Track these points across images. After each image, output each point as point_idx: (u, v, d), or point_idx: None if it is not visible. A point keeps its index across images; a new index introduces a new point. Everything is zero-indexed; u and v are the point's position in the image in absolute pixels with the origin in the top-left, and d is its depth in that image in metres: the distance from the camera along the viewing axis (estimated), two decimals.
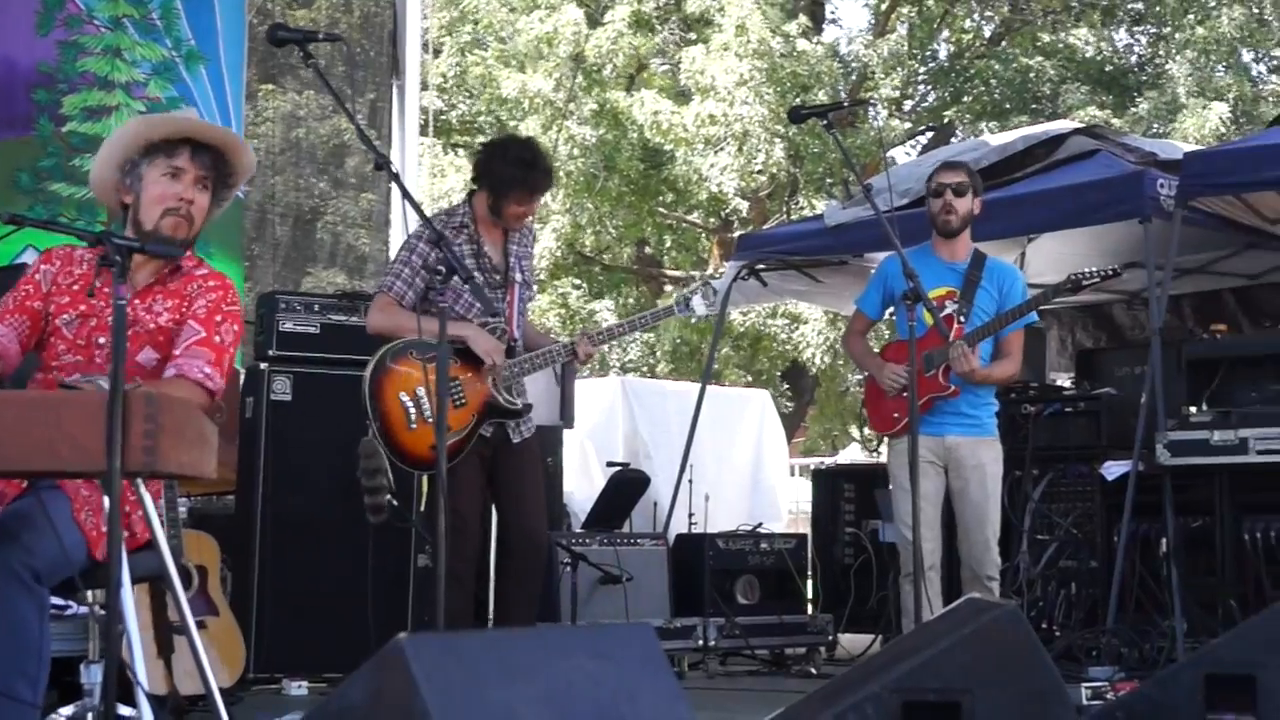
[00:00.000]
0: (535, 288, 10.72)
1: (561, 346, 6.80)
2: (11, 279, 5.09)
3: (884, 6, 24.65)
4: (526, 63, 21.60)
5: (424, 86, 11.57)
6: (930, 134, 25.22)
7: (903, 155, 24.76)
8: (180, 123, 4.98)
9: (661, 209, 23.28)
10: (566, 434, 10.02)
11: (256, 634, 7.31)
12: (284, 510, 7.51)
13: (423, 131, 11.67)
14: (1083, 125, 10.64)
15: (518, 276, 6.79)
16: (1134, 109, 22.19)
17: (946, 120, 24.54)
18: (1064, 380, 10.83)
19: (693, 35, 22.36)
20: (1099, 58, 23.74)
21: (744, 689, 8.22)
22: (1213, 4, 22.95)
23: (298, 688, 7.33)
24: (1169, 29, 23.71)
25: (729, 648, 8.99)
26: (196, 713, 6.10)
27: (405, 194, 5.81)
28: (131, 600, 4.10)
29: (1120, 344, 11.69)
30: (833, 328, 19.70)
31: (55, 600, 4.39)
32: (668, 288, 24.00)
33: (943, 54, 25.44)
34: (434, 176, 20.67)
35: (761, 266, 10.45)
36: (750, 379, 22.26)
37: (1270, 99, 22.53)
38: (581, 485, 11.31)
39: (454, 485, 6.17)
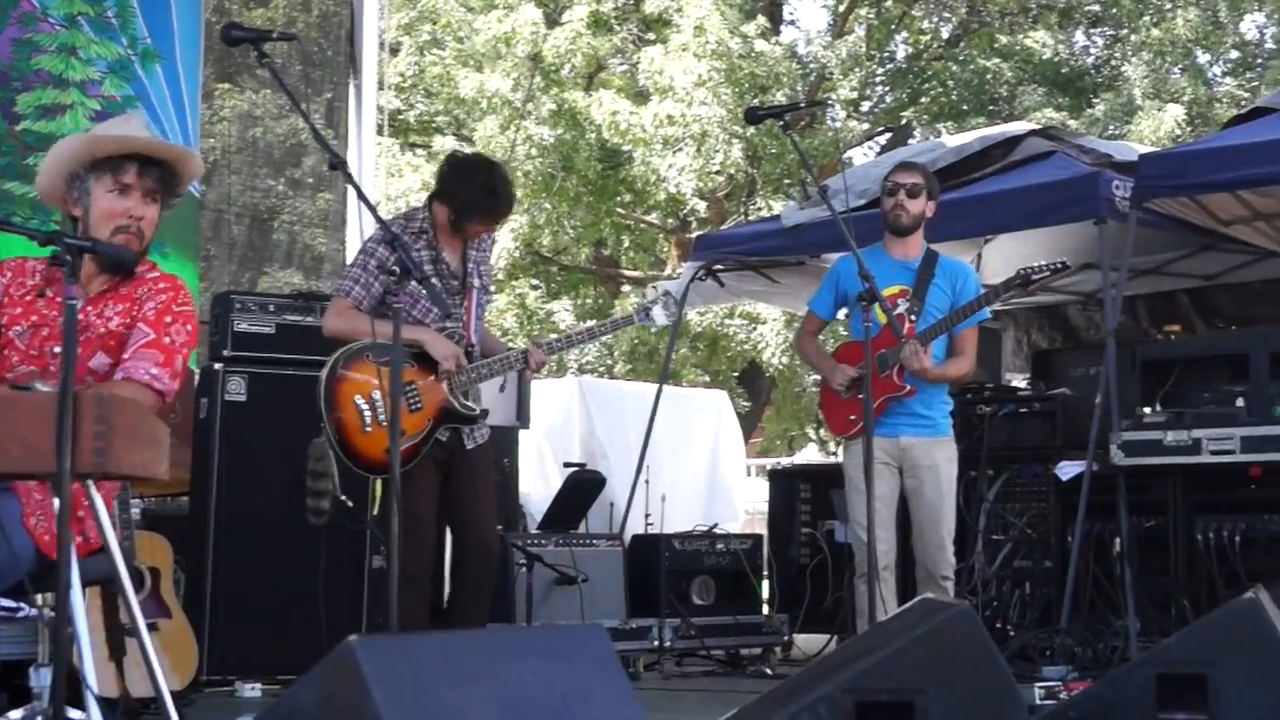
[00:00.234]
0: (493, 289, 10.70)
1: (516, 354, 6.79)
2: None
3: (842, 8, 24.71)
4: (484, 62, 21.57)
5: (381, 86, 11.50)
6: (888, 135, 25.29)
7: (860, 156, 24.84)
8: (127, 141, 4.93)
9: (619, 209, 23.27)
10: (523, 434, 10.02)
11: (209, 636, 7.28)
12: (238, 512, 7.48)
13: (380, 131, 11.61)
14: (1039, 127, 10.68)
15: (476, 282, 6.78)
16: (1090, 110, 22.30)
17: (904, 121, 24.60)
18: (1020, 381, 10.87)
19: (651, 36, 22.37)
20: (1055, 59, 23.83)
21: (699, 689, 8.22)
22: (1168, 6, 23.09)
23: (251, 690, 7.30)
24: (1125, 31, 23.83)
25: (685, 648, 9.00)
26: (148, 715, 6.05)
27: (360, 195, 5.80)
28: (82, 603, 4.07)
29: (1075, 345, 11.73)
30: (790, 328, 19.71)
31: (5, 602, 4.36)
32: (625, 288, 24.00)
33: (900, 55, 25.51)
34: (391, 176, 20.61)
35: (719, 267, 10.44)
36: (708, 379, 22.27)
37: (1225, 101, 22.64)
38: (538, 486, 11.30)
39: (409, 488, 6.16)
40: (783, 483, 10.72)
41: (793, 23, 34.29)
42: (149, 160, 4.79)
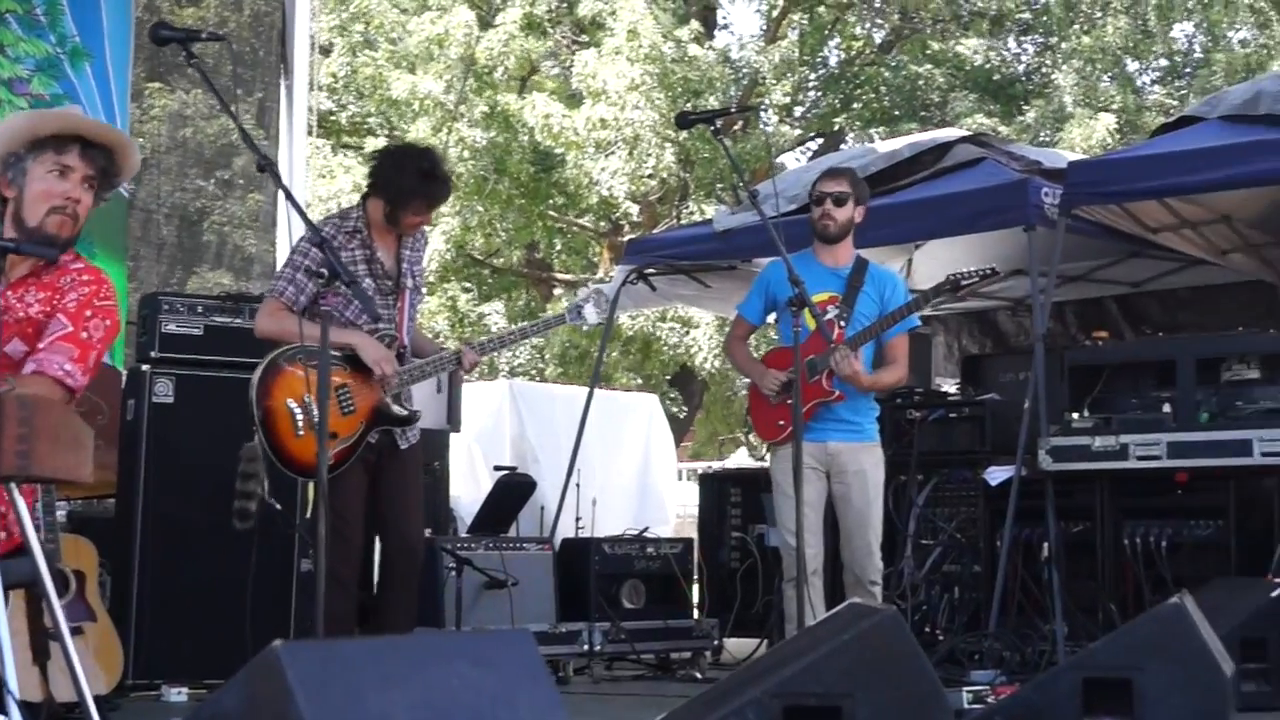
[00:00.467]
0: (425, 290, 10.68)
1: (448, 355, 6.78)
2: None
3: (775, 13, 24.78)
4: (417, 64, 21.51)
5: (313, 87, 11.45)
6: (820, 140, 25.37)
7: (793, 161, 24.93)
8: (71, 120, 4.92)
9: (552, 212, 23.27)
10: (454, 437, 10.00)
11: (135, 639, 7.21)
12: (165, 514, 7.41)
13: (310, 132, 11.55)
14: (969, 133, 10.73)
15: (409, 282, 6.76)
16: (1021, 117, 22.48)
17: (836, 127, 24.69)
18: (950, 386, 10.92)
19: (585, 39, 22.39)
20: (987, 66, 24.00)
21: (629, 694, 8.21)
22: (1098, 15, 23.27)
23: (177, 694, 7.23)
24: (1056, 39, 24.02)
25: (614, 652, 8.98)
26: None
27: (288, 197, 5.77)
28: (4, 606, 4.03)
29: (1005, 350, 11.81)
30: (722, 333, 19.73)
31: None
32: (557, 291, 23.99)
33: (833, 61, 25.62)
34: (322, 178, 20.54)
35: (650, 271, 10.44)
36: (640, 383, 22.28)
37: (1154, 109, 22.84)
38: (468, 489, 11.27)
39: (339, 490, 6.14)
40: (713, 487, 10.71)
41: (726, 27, 34.46)
42: (90, 144, 4.76)
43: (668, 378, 23.35)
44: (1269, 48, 22.67)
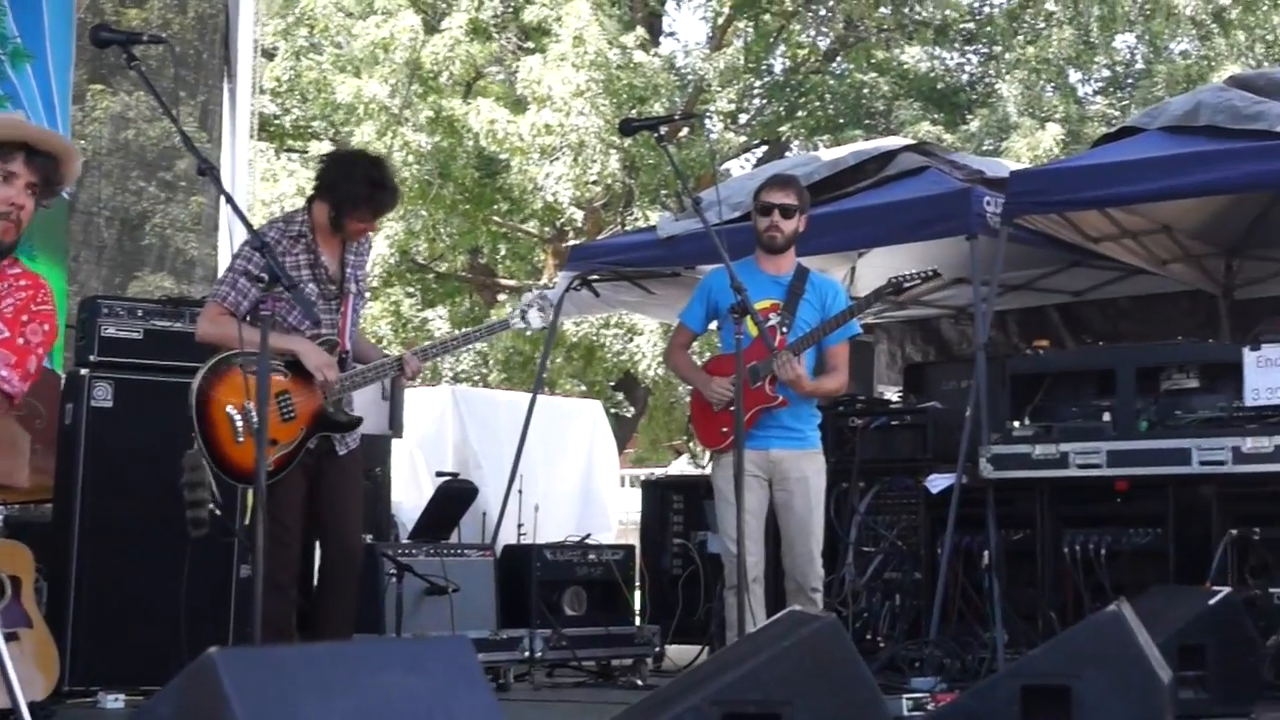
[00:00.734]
0: (368, 295, 10.64)
1: (390, 361, 6.75)
2: None
3: (721, 20, 24.81)
4: (362, 68, 21.44)
5: (257, 90, 11.41)
6: (764, 148, 25.42)
7: (737, 168, 24.96)
8: (17, 127, 4.89)
9: (496, 218, 23.23)
10: (395, 443, 9.96)
11: (72, 645, 7.14)
12: (103, 519, 7.35)
13: (253, 135, 11.50)
14: (913, 142, 10.77)
15: (353, 287, 6.73)
16: (965, 126, 22.58)
17: (781, 135, 24.74)
18: (892, 393, 10.95)
19: (530, 45, 22.34)
20: (931, 75, 24.10)
21: (570, 700, 8.20)
22: (1042, 25, 23.41)
23: (114, 701, 7.18)
24: (1000, 49, 24.15)
25: (555, 659, 8.98)
26: None
27: (229, 201, 5.74)
28: None
29: (947, 358, 11.85)
30: (666, 339, 19.74)
31: None
32: (501, 297, 23.94)
33: (778, 69, 25.65)
34: (265, 181, 20.45)
35: (594, 277, 10.44)
36: (584, 389, 22.26)
37: (1097, 119, 22.98)
38: (410, 495, 11.23)
39: (278, 496, 6.12)
40: (655, 493, 10.70)
41: (672, 34, 34.43)
42: (36, 152, 4.73)
43: (611, 384, 23.34)
44: (1210, 59, 22.83)
